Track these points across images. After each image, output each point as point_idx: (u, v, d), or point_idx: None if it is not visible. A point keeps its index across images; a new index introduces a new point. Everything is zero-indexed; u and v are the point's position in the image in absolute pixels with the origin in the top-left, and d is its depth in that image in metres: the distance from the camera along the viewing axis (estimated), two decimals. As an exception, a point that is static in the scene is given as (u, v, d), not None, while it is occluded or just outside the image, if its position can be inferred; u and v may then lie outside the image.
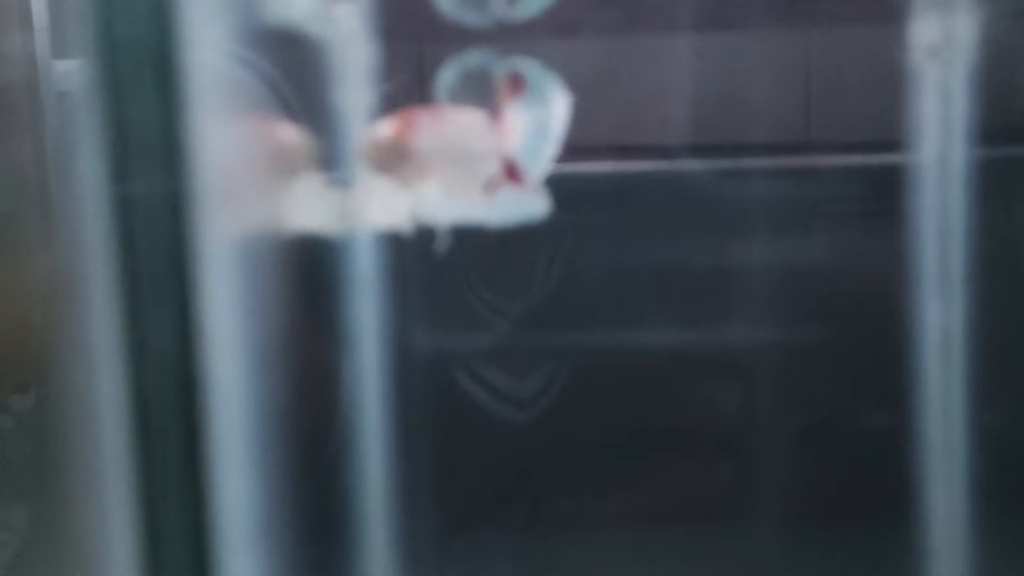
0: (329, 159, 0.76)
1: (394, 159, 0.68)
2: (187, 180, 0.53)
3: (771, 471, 0.91)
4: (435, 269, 0.90)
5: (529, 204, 0.68)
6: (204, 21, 0.54)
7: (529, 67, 0.68)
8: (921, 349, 0.77)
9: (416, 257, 0.89)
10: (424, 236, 0.73)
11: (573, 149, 0.93)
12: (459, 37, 0.93)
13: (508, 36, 0.93)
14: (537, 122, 0.68)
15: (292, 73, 0.75)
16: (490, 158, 0.69)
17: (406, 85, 0.77)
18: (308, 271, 0.79)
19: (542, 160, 0.68)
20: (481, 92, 0.68)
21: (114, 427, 0.52)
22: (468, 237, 0.83)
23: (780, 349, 0.89)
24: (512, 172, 0.68)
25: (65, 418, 0.74)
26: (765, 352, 0.89)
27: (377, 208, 0.71)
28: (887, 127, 0.78)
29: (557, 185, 0.95)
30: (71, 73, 1.05)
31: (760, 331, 0.89)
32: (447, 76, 0.70)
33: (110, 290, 0.53)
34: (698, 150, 0.88)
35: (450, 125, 0.69)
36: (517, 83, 0.68)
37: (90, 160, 0.55)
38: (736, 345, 0.90)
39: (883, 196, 0.80)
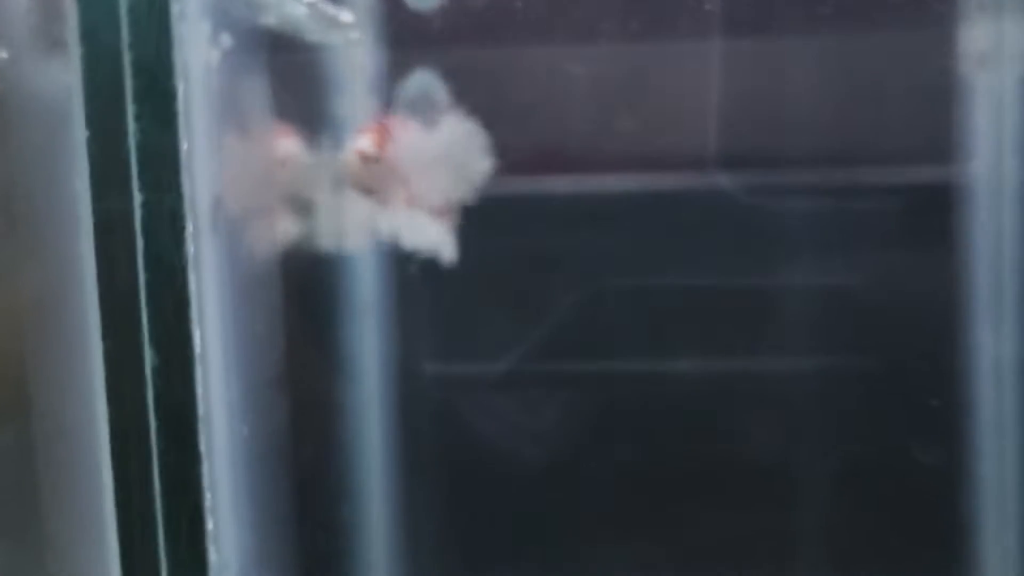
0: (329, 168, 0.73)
1: (372, 174, 0.67)
2: (180, 196, 0.51)
3: (810, 508, 0.88)
4: (443, 293, 0.87)
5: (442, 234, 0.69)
6: (198, 28, 0.52)
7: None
8: (973, 376, 0.75)
9: (422, 280, 0.87)
10: (431, 257, 0.71)
11: (601, 161, 0.91)
12: (463, 45, 0.91)
13: (524, 46, 0.91)
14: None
15: (292, 81, 0.73)
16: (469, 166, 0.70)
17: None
18: (307, 292, 0.76)
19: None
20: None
21: (101, 457, 0.51)
22: (478, 258, 0.80)
23: (820, 377, 0.86)
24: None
25: (49, 451, 0.71)
26: (803, 381, 0.87)
27: (360, 225, 0.70)
28: (935, 140, 0.76)
29: (577, 201, 0.93)
30: (50, 82, 1.02)
31: (797, 358, 0.87)
32: (401, 95, 0.69)
33: (98, 313, 0.52)
34: (733, 163, 0.86)
35: (422, 135, 0.69)
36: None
37: (76, 176, 0.53)
38: (772, 372, 0.88)
39: (931, 213, 0.78)
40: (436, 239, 0.67)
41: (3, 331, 0.95)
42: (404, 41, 0.76)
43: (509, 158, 0.86)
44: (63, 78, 0.56)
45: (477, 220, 0.79)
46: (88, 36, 0.50)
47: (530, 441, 0.91)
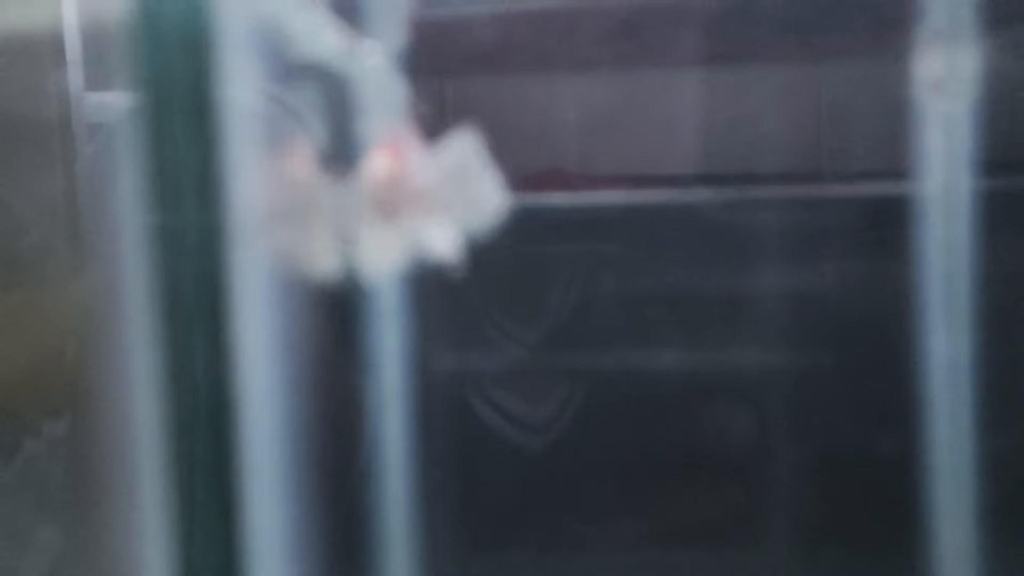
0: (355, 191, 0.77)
1: (394, 194, 0.67)
2: (223, 212, 0.54)
3: (782, 496, 0.91)
4: (455, 297, 0.91)
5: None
6: (239, 58, 0.56)
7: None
8: (928, 377, 0.78)
9: (436, 285, 0.90)
10: (442, 265, 0.74)
11: (590, 179, 0.94)
12: (478, 70, 0.95)
13: (526, 70, 0.95)
14: None
15: (320, 108, 0.77)
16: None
17: (429, 117, 0.79)
18: (335, 297, 0.80)
19: None
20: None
21: (150, 450, 0.54)
22: (487, 265, 0.84)
23: (790, 375, 0.89)
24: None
25: (100, 442, 0.76)
26: (776, 378, 0.90)
27: (384, 248, 0.71)
28: (894, 158, 0.79)
29: (573, 214, 0.97)
30: (103, 106, 1.08)
31: (771, 357, 0.90)
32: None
33: (147, 317, 0.55)
34: (711, 180, 0.89)
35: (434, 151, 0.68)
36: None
37: (128, 191, 0.56)
38: (747, 371, 0.91)
39: (890, 225, 0.81)
40: (448, 249, 0.68)
41: (54, 333, 1.01)
42: (420, 69, 0.80)
43: (513, 175, 0.91)
44: (117, 104, 0.60)
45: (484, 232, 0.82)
46: (142, 68, 0.53)
47: (531, 430, 0.94)
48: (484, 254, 0.90)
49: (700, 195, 0.89)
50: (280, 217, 0.64)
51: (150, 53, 0.54)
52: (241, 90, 0.56)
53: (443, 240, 0.68)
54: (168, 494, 0.53)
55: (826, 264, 0.88)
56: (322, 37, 0.74)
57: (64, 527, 1.00)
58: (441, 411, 0.93)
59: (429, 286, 0.87)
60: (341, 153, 0.77)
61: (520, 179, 0.92)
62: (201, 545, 0.53)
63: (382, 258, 0.73)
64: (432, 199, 0.67)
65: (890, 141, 0.80)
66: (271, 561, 0.54)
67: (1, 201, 1.06)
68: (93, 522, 0.80)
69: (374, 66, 0.79)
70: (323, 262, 0.72)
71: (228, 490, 0.53)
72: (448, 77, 0.90)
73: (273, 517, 0.55)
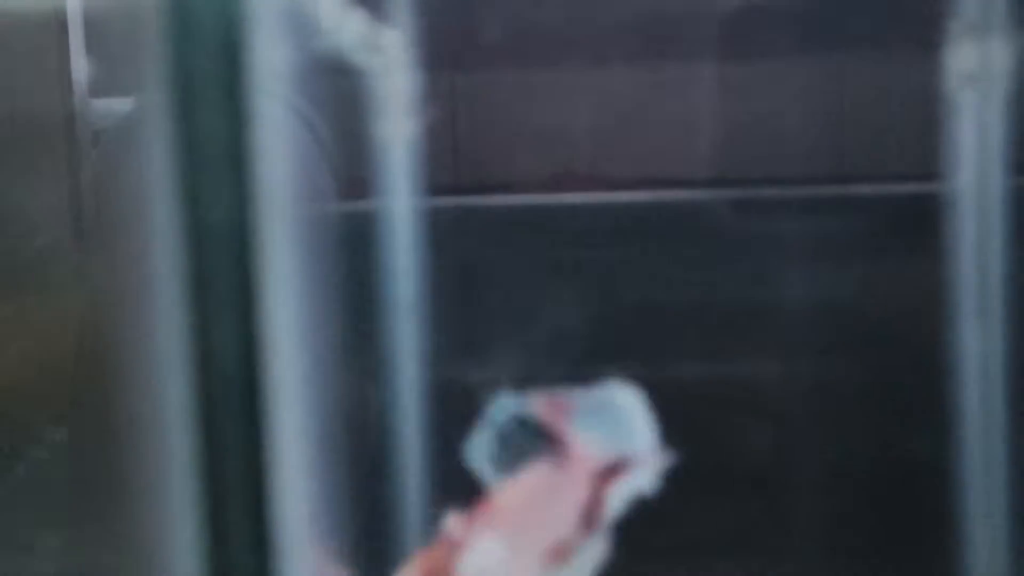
0: (368, 188, 0.77)
1: None
2: (253, 199, 0.54)
3: (810, 502, 0.90)
4: (473, 300, 0.90)
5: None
6: (270, 46, 0.56)
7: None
8: (960, 376, 0.78)
9: (454, 292, 0.90)
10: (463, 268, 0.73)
11: (607, 180, 0.94)
12: (490, 67, 0.95)
13: (535, 67, 0.95)
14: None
15: (333, 104, 0.76)
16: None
17: (438, 115, 0.78)
18: (359, 297, 0.80)
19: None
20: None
21: (179, 438, 0.54)
22: (499, 272, 0.83)
23: (818, 379, 0.88)
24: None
25: (116, 440, 0.75)
26: (803, 382, 0.89)
27: None
28: (924, 156, 0.79)
29: (589, 216, 0.96)
30: (108, 111, 1.08)
31: (797, 361, 0.89)
32: (481, 446, 0.58)
33: (174, 306, 0.55)
34: (733, 181, 0.89)
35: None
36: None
37: (150, 181, 0.56)
38: (771, 374, 0.90)
39: (920, 225, 0.81)
40: None
41: (58, 337, 1.00)
42: (434, 65, 0.79)
43: (527, 176, 0.89)
44: (123, 107, 0.59)
45: (490, 236, 0.82)
46: (171, 53, 0.54)
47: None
48: (495, 258, 0.90)
49: (724, 196, 0.88)
50: (308, 208, 0.63)
51: (178, 40, 0.55)
52: (271, 77, 0.55)
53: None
54: (196, 489, 0.53)
55: (856, 265, 0.87)
56: (345, 28, 0.74)
57: (67, 533, 0.99)
58: (457, 412, 0.92)
59: (449, 289, 0.87)
60: (353, 157, 0.76)
61: (534, 180, 0.91)
62: (232, 542, 0.53)
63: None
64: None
65: (920, 137, 0.79)
66: (304, 553, 0.54)
67: (10, 204, 1.05)
68: (111, 519, 0.79)
69: (393, 59, 0.78)
70: (348, 254, 0.71)
71: (259, 484, 0.52)
72: (457, 72, 0.90)
73: (305, 507, 0.55)
